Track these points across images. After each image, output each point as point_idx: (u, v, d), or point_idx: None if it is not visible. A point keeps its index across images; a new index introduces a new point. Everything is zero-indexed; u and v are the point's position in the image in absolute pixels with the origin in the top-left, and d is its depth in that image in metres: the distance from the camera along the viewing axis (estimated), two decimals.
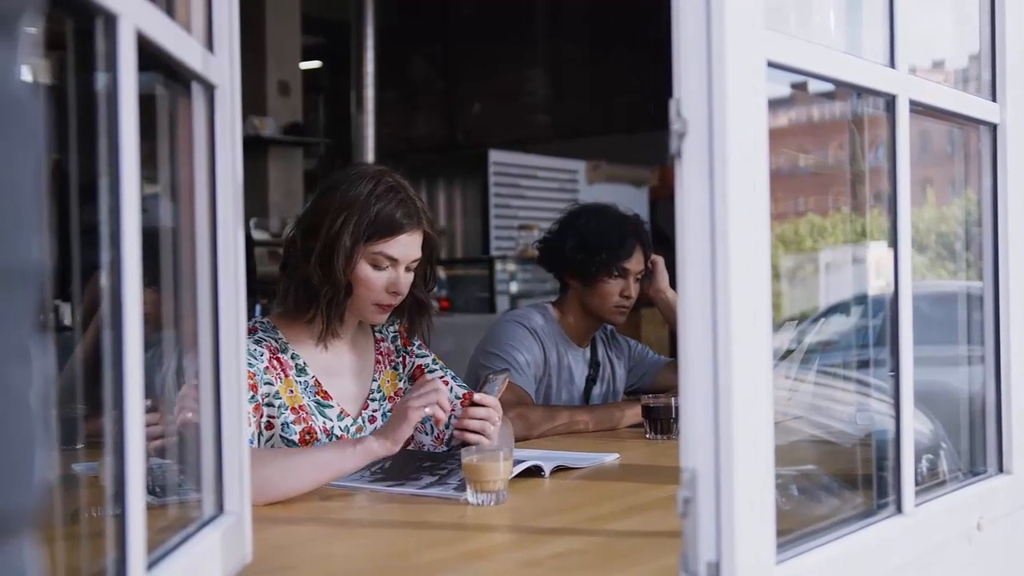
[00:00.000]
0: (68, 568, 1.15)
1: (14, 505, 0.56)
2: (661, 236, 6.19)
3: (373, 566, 1.56)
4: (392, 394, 2.35)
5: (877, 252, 1.92)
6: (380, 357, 2.37)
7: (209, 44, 1.35)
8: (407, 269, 2.22)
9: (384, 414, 2.31)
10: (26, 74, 0.58)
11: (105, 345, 1.02)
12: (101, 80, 1.02)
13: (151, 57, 1.12)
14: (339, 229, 2.14)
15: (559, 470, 2.17)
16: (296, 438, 2.14)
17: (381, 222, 2.16)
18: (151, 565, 1.10)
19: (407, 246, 2.20)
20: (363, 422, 2.28)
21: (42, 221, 0.59)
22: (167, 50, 1.16)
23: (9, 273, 0.55)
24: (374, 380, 2.33)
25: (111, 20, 1.00)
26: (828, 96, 1.77)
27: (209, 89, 1.35)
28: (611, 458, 2.35)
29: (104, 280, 1.01)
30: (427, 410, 1.97)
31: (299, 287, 2.19)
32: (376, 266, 2.18)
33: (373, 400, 2.32)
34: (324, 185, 2.26)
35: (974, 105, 1.79)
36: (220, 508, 1.37)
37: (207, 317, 1.37)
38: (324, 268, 2.15)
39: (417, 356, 2.42)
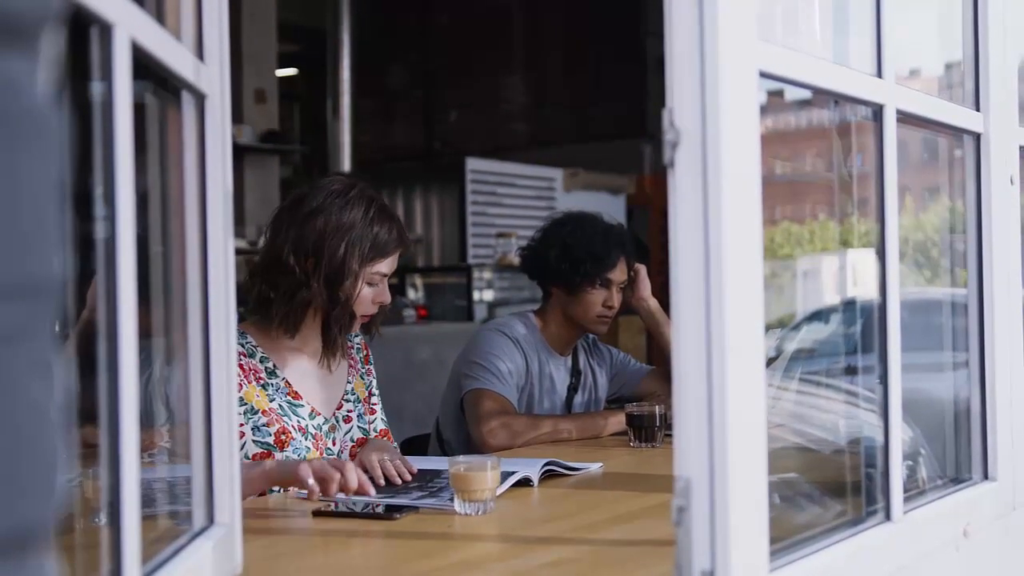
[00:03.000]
0: None
1: (38, 519, 0.55)
2: (638, 245, 6.19)
3: None
4: (362, 399, 2.44)
5: (855, 260, 1.93)
6: (352, 362, 2.45)
7: (199, 53, 1.35)
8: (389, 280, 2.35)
9: (359, 415, 2.41)
10: (47, 86, 0.58)
11: (98, 355, 1.01)
12: (95, 88, 1.02)
13: (142, 66, 1.11)
14: (344, 256, 2.22)
15: (547, 477, 2.17)
16: (271, 439, 2.21)
17: (380, 244, 2.27)
18: None
19: (395, 261, 2.33)
20: (337, 421, 2.36)
21: (63, 234, 0.59)
22: (160, 59, 1.15)
23: (30, 286, 0.54)
24: (348, 382, 2.42)
25: (106, 29, 0.99)
26: (805, 104, 1.78)
27: (200, 98, 1.34)
28: (595, 467, 2.35)
29: (100, 290, 1.01)
30: (311, 481, 1.91)
31: (299, 308, 2.25)
32: (370, 284, 2.29)
33: (348, 401, 2.40)
34: (308, 206, 2.26)
35: (958, 114, 1.80)
36: (211, 519, 1.36)
37: (197, 328, 1.36)
38: (331, 293, 2.23)
39: (373, 377, 2.52)
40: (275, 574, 1.52)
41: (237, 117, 7.26)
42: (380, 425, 2.46)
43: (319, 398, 2.33)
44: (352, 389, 2.41)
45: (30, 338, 0.55)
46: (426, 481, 2.12)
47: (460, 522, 1.81)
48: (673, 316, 1.19)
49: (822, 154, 1.96)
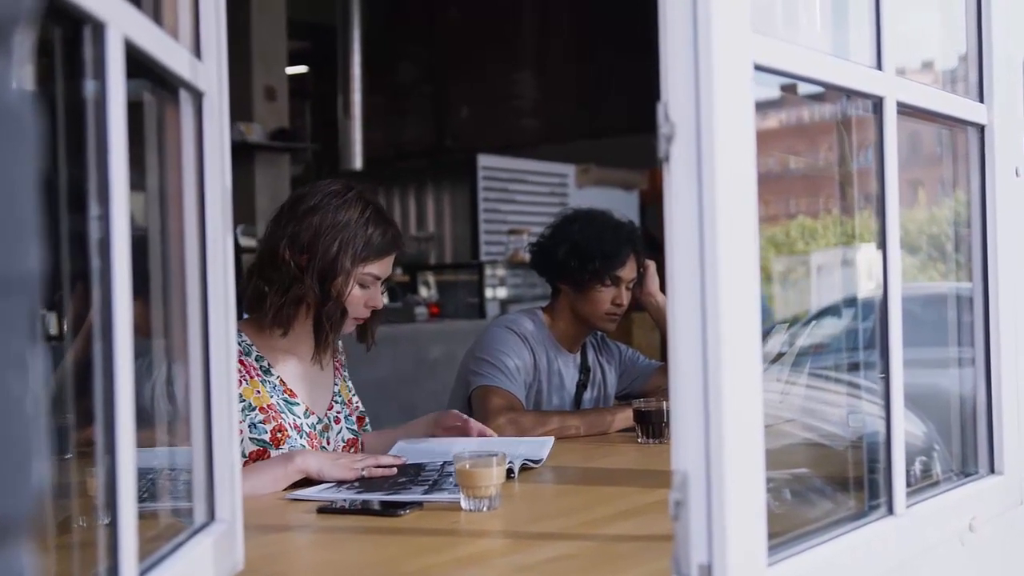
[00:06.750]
0: None
1: (13, 511, 0.56)
2: (651, 241, 6.19)
3: (365, 574, 1.55)
4: (347, 401, 2.48)
5: (868, 254, 1.92)
6: (338, 366, 2.49)
7: (197, 51, 1.35)
8: (383, 284, 2.37)
9: (346, 416, 2.44)
10: (21, 83, 0.58)
11: (96, 355, 1.02)
12: (89, 87, 1.02)
13: (138, 64, 1.12)
14: (337, 253, 2.25)
15: (553, 471, 2.19)
16: (267, 437, 2.23)
17: (374, 246, 2.29)
18: (143, 573, 1.09)
19: (390, 265, 2.36)
20: (329, 421, 2.40)
21: (39, 229, 0.59)
22: (155, 57, 1.16)
23: (7, 281, 0.55)
24: (335, 384, 2.46)
25: (99, 28, 1.00)
26: (818, 98, 1.77)
27: (197, 96, 1.35)
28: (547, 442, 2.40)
29: (94, 289, 1.01)
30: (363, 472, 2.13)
31: (292, 303, 2.27)
32: (362, 285, 2.31)
33: (336, 402, 2.44)
34: (305, 205, 2.30)
35: (961, 106, 1.79)
36: (211, 515, 1.37)
37: (197, 326, 1.36)
38: (323, 289, 2.26)
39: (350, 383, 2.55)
40: (277, 571, 1.52)
41: (247, 115, 7.27)
42: (347, 436, 2.45)
43: (311, 398, 2.36)
44: (338, 391, 2.46)
45: (6, 331, 0.55)
46: (415, 475, 2.12)
47: (465, 518, 1.81)
48: (669, 309, 1.19)
49: (836, 148, 1.96)
